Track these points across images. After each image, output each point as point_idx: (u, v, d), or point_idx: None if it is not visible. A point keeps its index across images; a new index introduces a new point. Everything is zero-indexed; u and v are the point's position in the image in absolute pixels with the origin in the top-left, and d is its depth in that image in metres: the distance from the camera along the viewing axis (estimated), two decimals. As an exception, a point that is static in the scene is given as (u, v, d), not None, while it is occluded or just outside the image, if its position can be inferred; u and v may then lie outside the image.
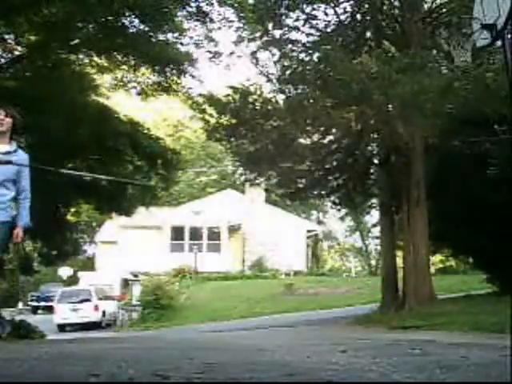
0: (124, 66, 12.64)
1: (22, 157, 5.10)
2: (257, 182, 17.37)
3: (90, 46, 11.23)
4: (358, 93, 11.26)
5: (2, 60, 11.73)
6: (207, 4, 11.75)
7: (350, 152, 14.16)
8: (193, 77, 12.90)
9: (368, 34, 14.16)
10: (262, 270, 30.05)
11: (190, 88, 13.88)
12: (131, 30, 11.06)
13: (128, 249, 28.94)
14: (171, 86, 13.14)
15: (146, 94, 13.52)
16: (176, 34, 11.87)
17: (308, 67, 12.94)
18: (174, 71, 12.51)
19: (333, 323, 13.02)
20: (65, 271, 31.76)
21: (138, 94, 13.66)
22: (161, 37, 11.34)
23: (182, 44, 12.24)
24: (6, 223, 4.93)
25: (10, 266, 16.77)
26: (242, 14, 13.46)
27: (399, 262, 15.48)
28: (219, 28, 13.17)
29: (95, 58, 12.25)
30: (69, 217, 15.59)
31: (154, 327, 18.76)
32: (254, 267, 30.76)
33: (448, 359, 2.70)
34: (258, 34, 14.36)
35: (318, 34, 14.30)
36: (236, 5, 12.51)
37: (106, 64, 12.50)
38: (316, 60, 13.29)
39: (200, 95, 14.25)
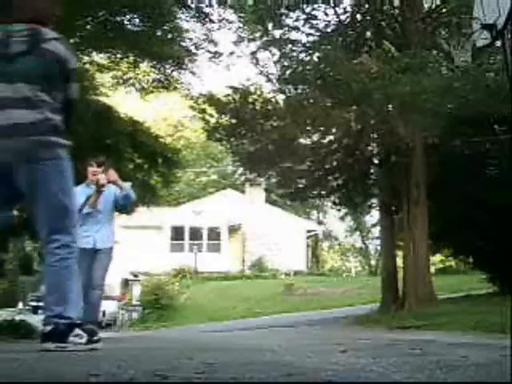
0: (123, 64, 12.64)
1: (111, 190, 6.20)
2: (257, 182, 17.38)
3: (89, 45, 11.24)
4: (358, 93, 11.26)
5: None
6: (207, 6, 11.79)
7: (350, 152, 14.16)
8: (193, 73, 12.89)
9: (368, 34, 14.17)
10: (262, 269, 30.05)
11: (189, 84, 13.89)
12: (130, 28, 11.06)
13: (128, 249, 28.94)
14: (171, 83, 13.13)
15: (146, 91, 13.52)
16: (176, 34, 11.87)
17: (308, 67, 12.94)
18: (174, 67, 12.51)
19: (333, 323, 13.01)
20: (65, 271, 31.72)
21: (139, 90, 13.66)
22: (160, 33, 11.34)
23: (181, 44, 12.23)
24: (111, 249, 6.00)
25: (10, 266, 16.77)
26: (241, 15, 13.48)
27: (399, 262, 15.49)
28: (219, 28, 13.19)
29: (95, 57, 12.25)
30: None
31: (154, 327, 18.77)
32: (253, 267, 30.75)
33: (448, 359, 2.70)
34: (258, 34, 14.38)
35: (318, 34, 14.30)
36: (236, 6, 12.53)
37: (105, 62, 12.51)
38: (316, 60, 13.29)
39: (200, 95, 14.26)
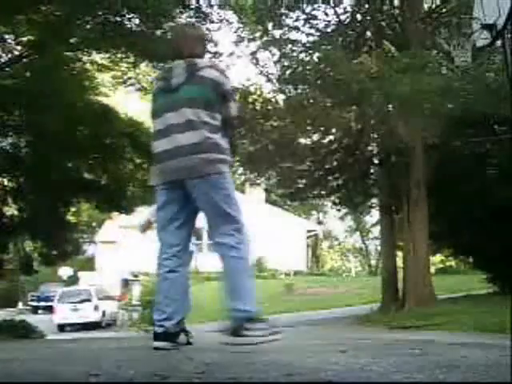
0: (124, 64, 12.63)
1: None
2: (257, 181, 17.36)
3: (89, 44, 11.23)
4: (358, 93, 11.26)
5: (2, 60, 11.73)
6: (207, 6, 11.80)
7: (350, 152, 14.16)
8: None
9: (368, 34, 14.17)
10: (262, 269, 30.05)
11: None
12: (130, 27, 11.06)
13: (128, 249, 28.93)
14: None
15: (146, 91, 13.51)
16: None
17: (308, 67, 12.94)
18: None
19: (333, 323, 13.01)
20: (65, 271, 31.77)
21: (138, 89, 13.65)
22: (160, 33, 11.33)
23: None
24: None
25: (9, 266, 16.76)
26: (241, 15, 13.48)
27: (399, 262, 15.49)
28: (219, 28, 13.19)
29: (95, 56, 12.24)
30: (69, 217, 15.59)
31: (154, 327, 18.74)
32: (253, 267, 30.71)
33: (448, 359, 2.70)
34: (257, 34, 14.37)
35: (318, 34, 14.30)
36: (236, 7, 12.53)
37: (105, 62, 12.50)
38: (316, 60, 13.28)
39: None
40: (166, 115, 3.37)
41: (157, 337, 3.33)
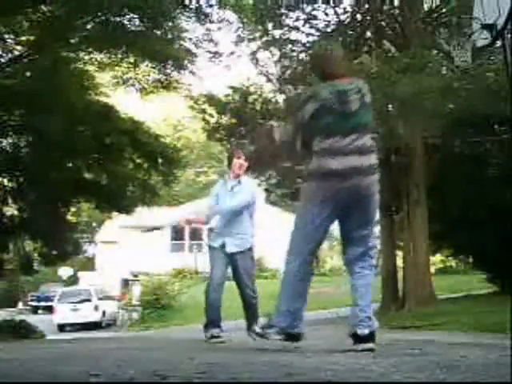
0: (124, 64, 12.64)
1: (245, 188, 5.66)
2: (257, 181, 17.34)
3: (89, 44, 11.24)
4: (358, 93, 11.23)
5: (2, 60, 11.73)
6: (207, 6, 11.81)
7: (350, 152, 14.12)
8: (193, 73, 12.88)
9: (368, 34, 14.16)
10: (262, 269, 30.03)
11: (190, 85, 13.89)
12: (131, 28, 11.06)
13: (128, 249, 28.93)
14: (171, 83, 13.14)
15: (146, 91, 13.52)
16: (176, 34, 11.87)
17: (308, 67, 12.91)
18: (174, 67, 12.51)
19: (333, 323, 13.00)
20: (65, 271, 31.78)
21: (138, 89, 13.66)
22: (160, 33, 11.33)
23: (181, 45, 12.23)
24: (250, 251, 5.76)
25: (9, 266, 16.78)
26: (241, 15, 13.47)
27: (399, 262, 15.48)
28: (219, 28, 13.19)
29: (95, 56, 12.25)
30: (69, 217, 15.59)
31: (154, 327, 18.75)
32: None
33: (448, 359, 2.70)
34: (257, 34, 14.36)
35: (318, 34, 14.29)
36: (236, 7, 12.53)
37: (105, 62, 12.51)
38: (316, 60, 13.24)
39: (200, 95, 14.26)
40: (340, 137, 3.43)
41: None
